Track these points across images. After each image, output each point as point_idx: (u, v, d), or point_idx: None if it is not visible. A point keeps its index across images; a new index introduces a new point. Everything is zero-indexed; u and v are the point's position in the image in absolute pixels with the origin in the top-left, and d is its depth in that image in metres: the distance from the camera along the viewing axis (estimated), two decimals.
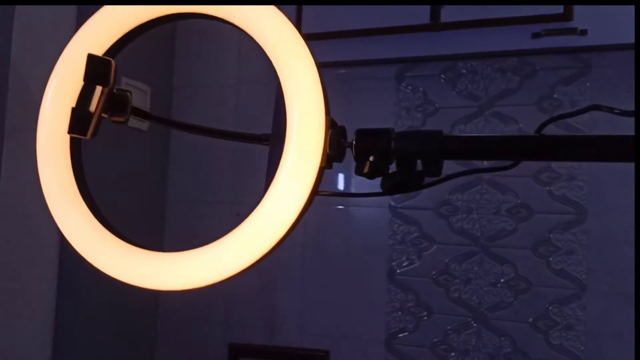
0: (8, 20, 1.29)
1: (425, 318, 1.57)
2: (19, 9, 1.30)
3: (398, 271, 1.60)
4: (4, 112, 1.28)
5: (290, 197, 0.48)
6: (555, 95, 1.49)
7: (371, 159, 0.47)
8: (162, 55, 1.89)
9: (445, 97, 1.60)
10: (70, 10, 1.42)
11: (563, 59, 1.48)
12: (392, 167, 0.48)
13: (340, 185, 1.68)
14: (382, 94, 1.66)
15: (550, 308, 1.46)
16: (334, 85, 1.70)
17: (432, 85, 1.61)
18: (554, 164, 1.47)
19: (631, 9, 1.35)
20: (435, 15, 1.51)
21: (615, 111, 0.48)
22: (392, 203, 1.62)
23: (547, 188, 1.49)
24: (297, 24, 1.68)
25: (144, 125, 1.77)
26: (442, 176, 0.47)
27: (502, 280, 1.51)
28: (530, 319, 1.48)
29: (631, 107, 1.39)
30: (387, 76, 1.66)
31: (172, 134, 1.89)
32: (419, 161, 0.47)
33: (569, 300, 1.45)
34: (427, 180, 0.48)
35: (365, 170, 0.47)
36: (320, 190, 0.49)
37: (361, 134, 0.48)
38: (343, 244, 1.67)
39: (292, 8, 1.68)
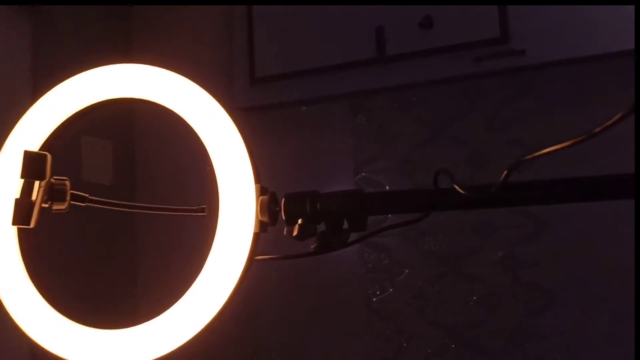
0: None
1: (405, 344, 1.59)
2: None
3: (374, 299, 1.62)
4: None
5: (228, 264, 0.50)
6: (502, 115, 1.54)
7: (300, 222, 0.50)
8: (121, 111, 1.91)
9: (400, 125, 1.64)
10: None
11: (506, 79, 1.54)
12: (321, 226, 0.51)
13: None
14: (340, 127, 1.71)
15: (523, 320, 1.49)
16: (296, 122, 1.74)
17: (386, 115, 1.66)
18: None
19: (559, 24, 1.42)
20: (381, 48, 1.57)
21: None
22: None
23: None
24: (251, 68, 1.72)
25: (106, 179, 1.78)
26: (366, 232, 0.51)
27: (474, 297, 1.54)
28: (507, 333, 1.51)
29: (571, 120, 1.45)
30: (343, 110, 1.70)
31: (137, 183, 1.89)
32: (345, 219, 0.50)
33: (541, 311, 1.48)
34: (354, 236, 0.51)
35: (295, 233, 0.50)
36: (258, 256, 0.51)
37: (289, 199, 0.51)
38: (318, 278, 1.68)
39: (245, 50, 1.71)
